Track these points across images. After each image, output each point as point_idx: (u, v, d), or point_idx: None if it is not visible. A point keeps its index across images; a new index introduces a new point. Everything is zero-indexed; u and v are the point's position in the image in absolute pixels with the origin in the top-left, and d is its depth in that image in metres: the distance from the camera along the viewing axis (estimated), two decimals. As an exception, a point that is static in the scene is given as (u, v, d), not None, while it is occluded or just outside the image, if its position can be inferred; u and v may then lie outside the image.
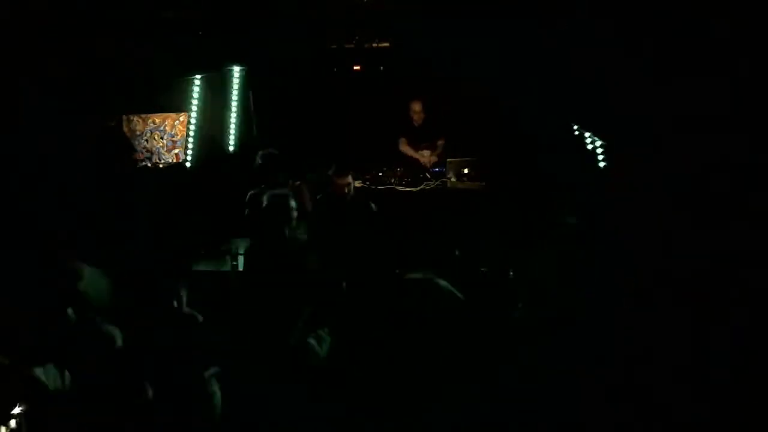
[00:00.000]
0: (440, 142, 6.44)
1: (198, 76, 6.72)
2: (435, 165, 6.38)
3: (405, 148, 6.49)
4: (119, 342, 2.90)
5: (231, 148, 6.94)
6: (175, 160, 6.62)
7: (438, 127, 6.46)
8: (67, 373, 2.80)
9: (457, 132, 6.49)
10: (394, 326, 3.18)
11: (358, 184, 6.10)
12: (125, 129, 6.54)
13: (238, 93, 7.11)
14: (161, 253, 4.87)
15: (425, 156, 6.42)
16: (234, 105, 7.08)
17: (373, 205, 5.27)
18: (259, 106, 7.17)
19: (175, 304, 3.30)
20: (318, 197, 5.32)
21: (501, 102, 6.50)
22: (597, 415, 2.57)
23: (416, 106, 6.43)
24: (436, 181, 6.15)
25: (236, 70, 7.01)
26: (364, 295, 3.87)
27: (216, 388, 3.06)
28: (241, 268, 4.90)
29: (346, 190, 5.16)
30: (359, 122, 6.97)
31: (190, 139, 6.72)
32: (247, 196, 5.04)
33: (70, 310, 3.05)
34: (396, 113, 6.63)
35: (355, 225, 5.02)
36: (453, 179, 6.00)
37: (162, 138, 6.64)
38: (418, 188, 6.09)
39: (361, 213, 5.14)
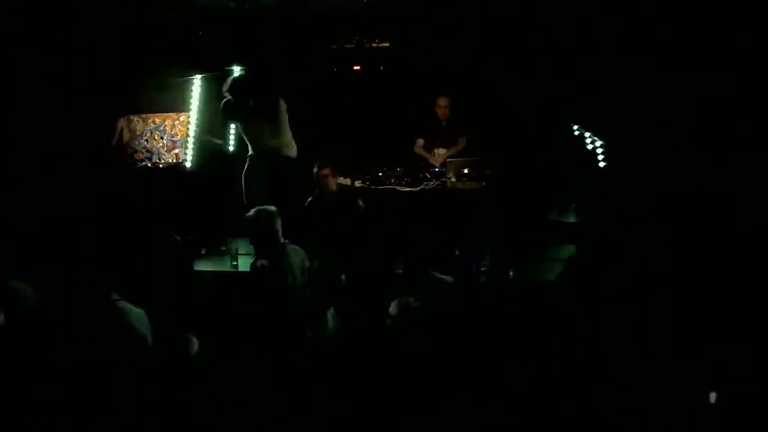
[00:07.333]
0: (461, 139, 6.44)
1: (198, 76, 6.71)
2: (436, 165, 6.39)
3: (420, 151, 6.48)
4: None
5: (231, 148, 6.92)
6: (175, 160, 6.61)
7: (461, 124, 6.44)
8: None
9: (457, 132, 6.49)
10: (393, 325, 3.18)
11: (357, 183, 6.11)
12: (125, 129, 6.53)
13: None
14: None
15: (441, 154, 6.40)
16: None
17: (360, 203, 5.31)
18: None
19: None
20: (309, 199, 5.35)
21: (501, 102, 6.50)
22: (597, 414, 2.57)
23: (442, 101, 6.36)
24: (436, 181, 6.14)
25: (236, 70, 6.99)
26: (362, 294, 3.87)
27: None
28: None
29: (332, 186, 5.21)
30: (359, 122, 6.96)
31: (190, 139, 6.71)
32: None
33: None
34: (404, 114, 6.60)
35: (346, 223, 5.07)
36: (453, 179, 5.99)
37: (162, 138, 6.63)
38: (418, 188, 6.08)
39: (351, 210, 5.19)
